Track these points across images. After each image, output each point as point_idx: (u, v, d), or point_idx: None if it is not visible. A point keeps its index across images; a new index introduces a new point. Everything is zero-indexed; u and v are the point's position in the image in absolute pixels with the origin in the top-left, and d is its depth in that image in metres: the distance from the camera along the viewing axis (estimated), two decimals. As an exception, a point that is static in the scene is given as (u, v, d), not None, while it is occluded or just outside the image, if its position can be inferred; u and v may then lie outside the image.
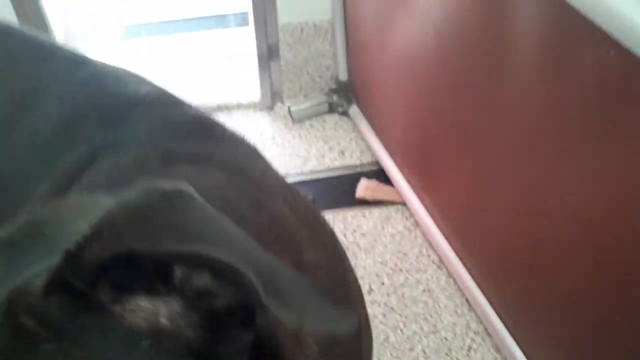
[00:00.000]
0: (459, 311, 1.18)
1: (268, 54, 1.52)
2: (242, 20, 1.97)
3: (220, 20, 2.00)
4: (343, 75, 1.55)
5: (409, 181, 1.35)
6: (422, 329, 1.16)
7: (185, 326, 0.28)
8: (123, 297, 0.27)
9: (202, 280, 0.28)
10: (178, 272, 0.28)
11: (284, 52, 1.52)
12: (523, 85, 0.78)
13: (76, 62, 0.61)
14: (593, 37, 0.61)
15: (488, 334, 1.13)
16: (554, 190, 0.79)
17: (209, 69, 1.77)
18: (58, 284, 0.25)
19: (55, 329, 0.25)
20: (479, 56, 0.87)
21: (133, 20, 2.02)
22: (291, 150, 1.53)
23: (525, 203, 0.88)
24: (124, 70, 0.64)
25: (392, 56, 1.20)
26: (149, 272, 0.27)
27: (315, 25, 1.47)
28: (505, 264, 1.03)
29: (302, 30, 1.48)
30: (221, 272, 0.28)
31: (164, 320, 0.28)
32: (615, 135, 0.64)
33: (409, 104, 1.22)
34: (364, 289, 1.22)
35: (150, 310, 0.27)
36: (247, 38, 1.88)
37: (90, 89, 0.57)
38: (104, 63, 0.64)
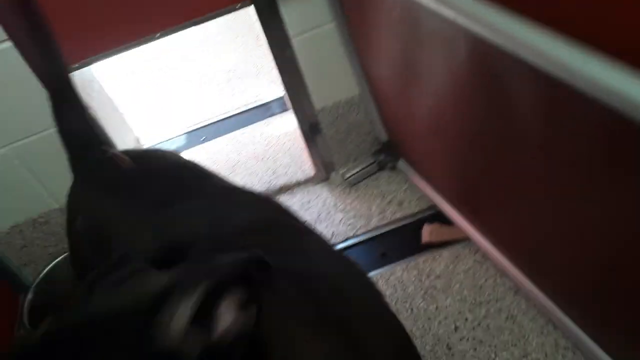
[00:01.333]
0: (544, 331, 1.24)
1: (311, 132, 1.69)
2: (284, 105, 2.17)
3: (266, 110, 2.21)
4: (383, 137, 1.68)
5: (466, 218, 1.44)
6: (513, 355, 1.22)
7: None
8: None
9: None
10: None
11: (326, 130, 1.68)
12: (526, 145, 0.89)
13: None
14: (584, 104, 0.71)
15: (577, 347, 1.18)
16: (584, 221, 0.87)
17: (266, 157, 1.97)
18: None
19: None
20: (482, 118, 0.99)
21: (190, 124, 2.27)
22: (354, 213, 1.67)
23: (567, 229, 0.96)
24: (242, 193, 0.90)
25: (419, 116, 1.33)
26: None
27: (348, 103, 1.63)
28: (572, 281, 1.09)
29: (337, 109, 1.64)
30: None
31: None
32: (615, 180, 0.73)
33: (445, 152, 1.34)
34: (450, 327, 1.31)
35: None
36: (292, 121, 2.07)
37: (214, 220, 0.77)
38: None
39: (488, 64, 0.88)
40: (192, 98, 2.45)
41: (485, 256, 1.41)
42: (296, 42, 1.48)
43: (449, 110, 1.13)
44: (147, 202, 0.82)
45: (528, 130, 0.89)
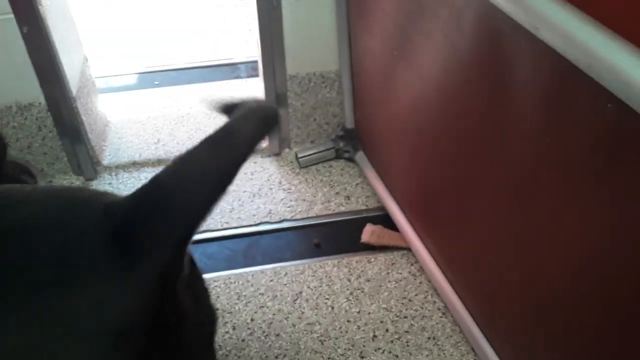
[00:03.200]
0: (464, 360, 1.16)
1: (276, 103, 1.57)
2: (252, 70, 2.04)
3: (232, 70, 2.07)
4: (350, 123, 1.58)
5: (413, 227, 1.35)
6: (426, 378, 1.14)
7: None
8: None
9: None
10: None
11: (292, 100, 1.56)
12: (523, 136, 0.80)
13: None
14: (591, 91, 0.63)
15: (494, 384, 1.11)
16: (555, 240, 0.79)
17: (219, 117, 1.82)
18: None
19: None
20: (479, 109, 0.90)
21: (146, 66, 2.10)
22: (298, 195, 1.55)
23: (527, 253, 0.89)
24: None
25: (397, 106, 1.24)
26: None
27: (322, 76, 1.52)
28: (511, 313, 1.02)
29: (309, 80, 1.53)
30: None
31: None
32: (612, 184, 0.65)
33: (412, 151, 1.25)
34: (368, 335, 1.21)
35: None
36: (257, 88, 1.94)
37: None
38: None
39: (498, 42, 0.79)
40: (158, 39, 2.27)
41: (422, 270, 1.33)
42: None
43: (429, 107, 1.05)
44: None
45: (526, 119, 0.81)
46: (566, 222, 0.76)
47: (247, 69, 2.06)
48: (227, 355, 1.18)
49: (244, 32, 2.30)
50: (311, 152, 1.61)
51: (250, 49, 2.17)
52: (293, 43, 1.45)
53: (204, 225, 1.45)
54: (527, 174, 0.82)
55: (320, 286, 1.32)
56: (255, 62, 2.08)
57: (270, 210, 1.51)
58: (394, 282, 1.32)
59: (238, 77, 2.02)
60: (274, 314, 1.26)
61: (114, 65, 2.12)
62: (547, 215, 0.80)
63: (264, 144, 1.68)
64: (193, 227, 0.56)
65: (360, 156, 1.58)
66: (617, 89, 0.58)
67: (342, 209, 1.51)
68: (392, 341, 1.20)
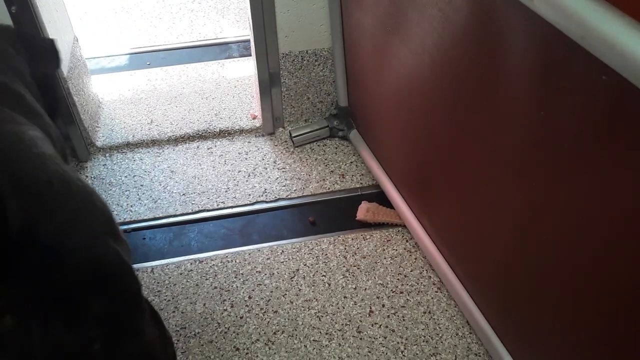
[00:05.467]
0: (459, 333, 1.18)
1: (269, 82, 1.56)
2: (245, 49, 2.02)
3: (225, 50, 2.05)
4: (343, 101, 1.58)
5: (408, 204, 1.36)
6: (422, 351, 1.16)
7: None
8: None
9: None
10: None
11: (285, 79, 1.56)
12: (517, 111, 0.81)
13: None
14: (585, 63, 0.63)
15: (489, 355, 1.13)
16: (548, 213, 0.80)
17: (212, 97, 1.82)
18: None
19: None
20: (472, 84, 0.90)
21: (137, 46, 2.07)
22: (292, 174, 1.56)
23: (521, 226, 0.90)
24: None
25: (390, 83, 1.24)
26: None
27: (315, 54, 1.51)
28: (505, 286, 1.04)
29: (302, 58, 1.52)
30: None
31: None
32: (607, 157, 0.66)
33: (406, 128, 1.25)
34: (365, 310, 1.23)
35: None
36: (249, 67, 1.93)
37: None
38: None
39: (492, 15, 0.79)
40: (149, 19, 2.24)
41: (417, 246, 1.34)
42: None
43: (422, 84, 1.04)
44: None
45: (520, 93, 0.82)
46: (561, 195, 0.77)
47: (239, 49, 2.04)
48: (226, 332, 1.19)
49: (235, 11, 2.28)
50: (305, 131, 1.61)
51: (242, 28, 2.15)
52: (285, 21, 1.44)
53: (200, 205, 1.46)
54: (522, 148, 0.83)
55: (317, 263, 1.33)
56: (248, 41, 2.06)
57: (266, 189, 1.52)
58: (389, 259, 1.33)
59: (230, 56, 2.01)
60: (271, 291, 1.27)
61: (105, 46, 2.10)
62: (542, 189, 0.81)
63: (258, 123, 1.68)
64: None
65: (354, 134, 1.58)
66: (612, 61, 0.58)
67: (337, 187, 1.52)
68: (388, 316, 1.22)
